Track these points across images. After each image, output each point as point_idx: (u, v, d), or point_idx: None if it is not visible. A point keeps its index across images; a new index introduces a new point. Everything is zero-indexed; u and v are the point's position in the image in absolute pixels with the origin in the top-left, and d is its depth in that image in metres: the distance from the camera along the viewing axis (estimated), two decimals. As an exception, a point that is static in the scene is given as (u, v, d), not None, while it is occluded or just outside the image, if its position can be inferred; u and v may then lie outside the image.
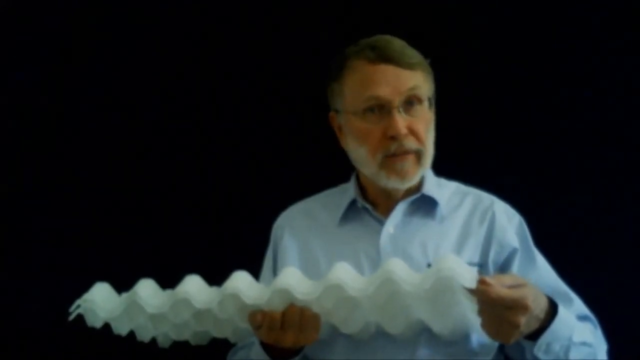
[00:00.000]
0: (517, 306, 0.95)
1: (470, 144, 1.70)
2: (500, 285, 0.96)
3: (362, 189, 1.29)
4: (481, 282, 0.95)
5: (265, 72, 1.82)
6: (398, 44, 1.21)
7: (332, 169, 1.36)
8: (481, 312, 0.99)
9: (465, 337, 1.12)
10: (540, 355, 1.04)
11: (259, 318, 1.06)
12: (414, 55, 1.21)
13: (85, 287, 1.21)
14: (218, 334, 1.17)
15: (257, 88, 1.83)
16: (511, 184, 1.43)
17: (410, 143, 1.17)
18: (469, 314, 1.05)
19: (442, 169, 1.32)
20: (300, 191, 1.39)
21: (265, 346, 1.13)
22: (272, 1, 1.82)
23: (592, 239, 1.64)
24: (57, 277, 1.72)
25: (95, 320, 1.17)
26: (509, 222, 1.23)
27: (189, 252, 1.77)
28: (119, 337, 1.24)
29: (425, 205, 1.24)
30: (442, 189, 1.28)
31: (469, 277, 0.97)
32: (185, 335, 1.19)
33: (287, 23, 1.82)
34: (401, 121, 1.16)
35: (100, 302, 1.15)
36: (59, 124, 1.86)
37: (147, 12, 1.84)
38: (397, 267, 1.03)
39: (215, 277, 1.69)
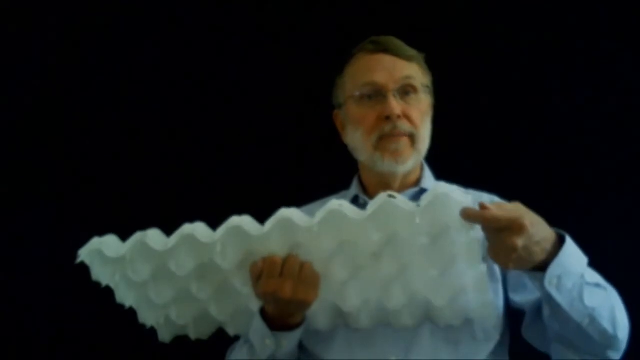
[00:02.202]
0: (512, 227, 0.95)
1: (470, 144, 1.71)
2: (498, 209, 0.97)
3: (363, 187, 1.31)
4: (481, 206, 0.97)
5: (270, 76, 1.84)
6: (398, 41, 1.28)
7: (335, 175, 1.37)
8: (487, 237, 1.00)
9: (467, 323, 1.12)
10: (553, 292, 1.01)
11: (259, 265, 1.07)
12: (412, 50, 1.27)
13: (82, 287, 1.20)
14: (218, 313, 1.17)
15: (260, 93, 1.84)
16: (511, 183, 1.43)
17: (404, 125, 1.21)
18: (467, 284, 1.06)
19: (442, 168, 1.33)
20: (303, 197, 1.39)
21: (265, 319, 1.13)
22: (275, 3, 1.83)
23: (592, 238, 1.64)
24: (54, 276, 1.72)
25: (100, 268, 1.15)
26: None
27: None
28: (121, 341, 1.23)
29: None
30: None
31: (462, 198, 0.99)
32: (187, 318, 1.18)
33: (290, 25, 1.83)
34: (396, 104, 1.20)
35: (108, 242, 1.14)
36: (59, 123, 1.87)
37: (147, 11, 1.85)
38: (397, 195, 1.05)
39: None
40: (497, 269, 1.18)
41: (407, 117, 1.22)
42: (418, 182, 1.28)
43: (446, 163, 1.33)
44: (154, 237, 1.12)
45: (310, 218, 1.08)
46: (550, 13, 1.72)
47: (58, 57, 1.86)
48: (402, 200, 1.03)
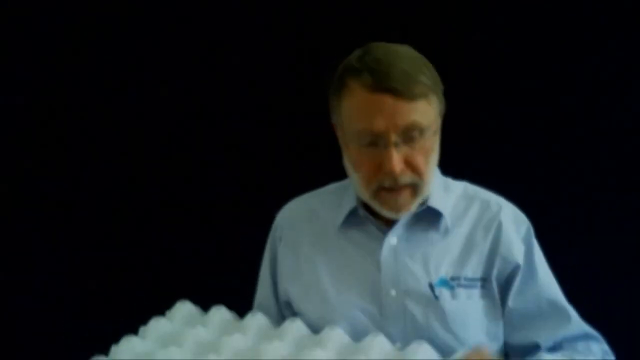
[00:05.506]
0: None
1: (470, 144, 1.70)
2: None
3: None
4: None
5: (266, 72, 1.83)
6: (400, 69, 1.07)
7: (333, 165, 1.34)
8: None
9: (462, 343, 1.10)
10: None
11: None
12: (417, 81, 1.07)
13: (81, 291, 1.19)
14: None
15: (257, 87, 1.84)
16: (511, 183, 1.43)
17: (406, 178, 1.09)
18: None
19: (443, 169, 1.31)
20: (300, 188, 1.37)
21: None
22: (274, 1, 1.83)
23: (593, 239, 1.64)
24: (53, 280, 1.72)
25: None
26: (516, 232, 1.18)
27: (188, 253, 1.77)
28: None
29: (430, 216, 1.18)
30: (448, 194, 1.21)
31: None
32: None
33: (288, 22, 1.83)
34: (397, 157, 1.07)
35: None
36: (58, 124, 1.86)
37: (147, 11, 1.84)
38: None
39: (215, 277, 1.69)
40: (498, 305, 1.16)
41: (411, 165, 1.09)
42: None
43: (455, 159, 1.27)
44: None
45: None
46: (555, 11, 1.71)
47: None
48: None
